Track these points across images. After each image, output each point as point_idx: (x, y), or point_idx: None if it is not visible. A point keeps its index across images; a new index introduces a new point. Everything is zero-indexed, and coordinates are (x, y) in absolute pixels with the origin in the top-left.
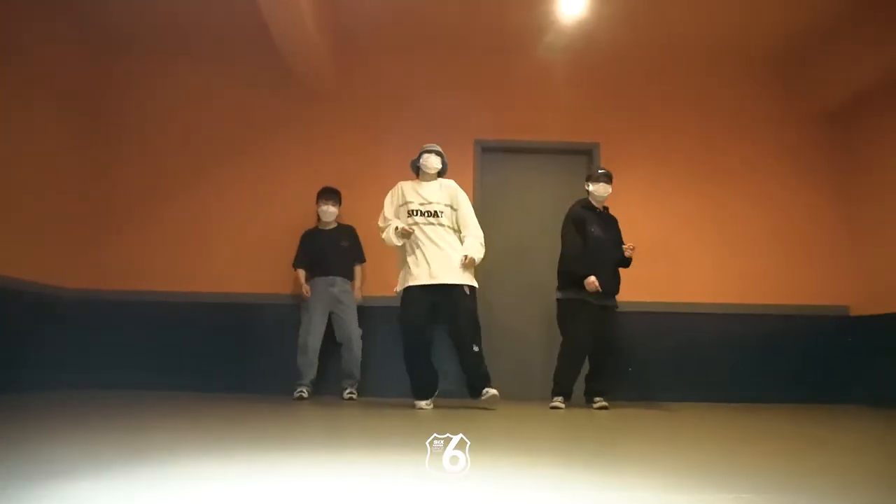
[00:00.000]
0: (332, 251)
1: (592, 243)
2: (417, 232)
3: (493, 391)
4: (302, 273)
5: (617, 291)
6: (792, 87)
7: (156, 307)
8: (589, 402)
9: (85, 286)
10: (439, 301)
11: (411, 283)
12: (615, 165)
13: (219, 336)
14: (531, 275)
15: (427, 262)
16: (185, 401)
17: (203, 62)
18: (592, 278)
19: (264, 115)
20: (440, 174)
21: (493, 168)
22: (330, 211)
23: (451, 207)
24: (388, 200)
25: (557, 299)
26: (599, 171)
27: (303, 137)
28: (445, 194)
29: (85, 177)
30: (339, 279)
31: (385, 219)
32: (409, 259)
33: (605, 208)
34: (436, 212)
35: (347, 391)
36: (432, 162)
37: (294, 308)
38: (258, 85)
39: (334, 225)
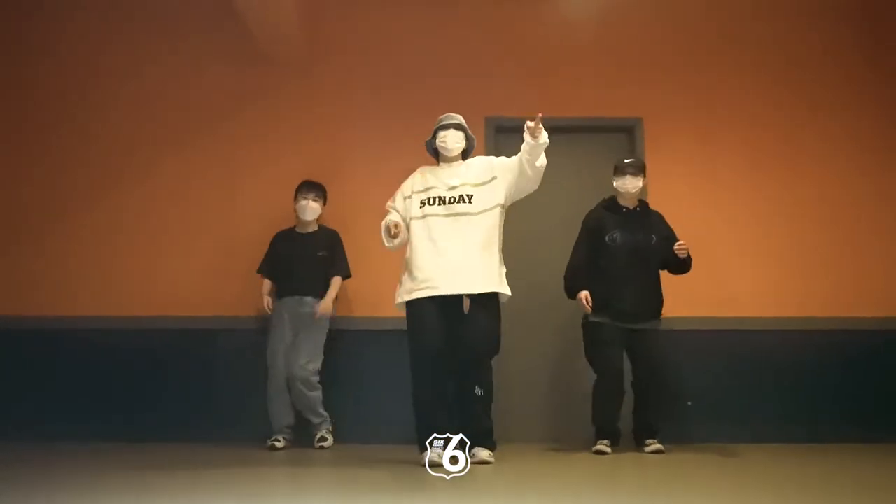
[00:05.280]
0: (305, 262)
1: (612, 253)
2: (429, 228)
3: (485, 454)
4: (267, 283)
5: (653, 310)
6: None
7: (82, 336)
8: (639, 444)
9: None
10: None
11: (416, 294)
12: (661, 145)
13: (166, 370)
14: (558, 285)
15: (436, 267)
16: (118, 453)
17: (139, 24)
18: (583, 294)
19: (221, 92)
20: (465, 154)
21: (508, 152)
22: (311, 207)
23: (491, 181)
24: (402, 187)
25: (581, 324)
26: (626, 161)
27: (271, 120)
28: (478, 171)
29: None
30: (309, 299)
31: (389, 209)
32: (413, 261)
33: (641, 204)
34: (462, 196)
35: (318, 436)
36: (452, 140)
37: (261, 333)
38: (212, 53)
39: (314, 228)
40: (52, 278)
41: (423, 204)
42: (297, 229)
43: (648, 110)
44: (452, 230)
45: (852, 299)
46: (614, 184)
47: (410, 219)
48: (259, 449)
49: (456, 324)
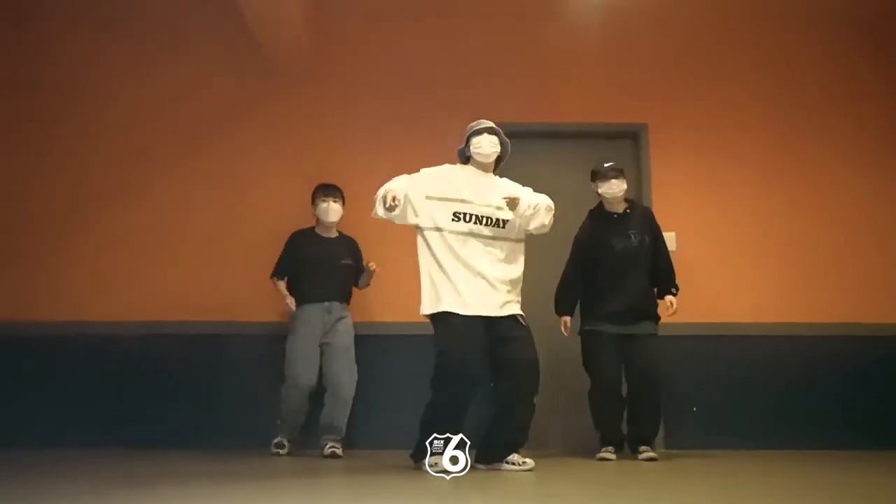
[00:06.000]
0: (331, 269)
1: (609, 261)
2: (470, 246)
3: (529, 462)
4: (282, 285)
5: (650, 313)
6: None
7: (86, 341)
8: (633, 451)
9: None
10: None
11: (451, 308)
12: (666, 151)
13: (174, 376)
14: None
15: (480, 288)
16: (124, 461)
17: (146, 33)
18: (564, 319)
19: (229, 100)
20: (499, 161)
21: (515, 158)
22: (333, 208)
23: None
24: (421, 177)
25: (578, 332)
26: (606, 166)
27: (278, 129)
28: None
29: None
30: (336, 304)
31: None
32: (441, 281)
33: (630, 205)
34: (500, 221)
35: (329, 445)
36: (487, 146)
37: (272, 340)
38: (220, 61)
39: (335, 233)
40: (59, 283)
41: (458, 218)
42: (319, 232)
43: (653, 116)
44: (497, 252)
45: (856, 305)
46: (599, 190)
47: (439, 228)
48: (265, 456)
49: (499, 344)
